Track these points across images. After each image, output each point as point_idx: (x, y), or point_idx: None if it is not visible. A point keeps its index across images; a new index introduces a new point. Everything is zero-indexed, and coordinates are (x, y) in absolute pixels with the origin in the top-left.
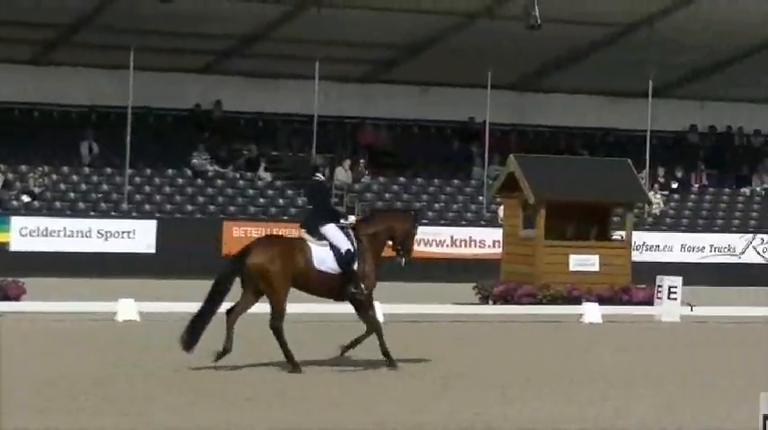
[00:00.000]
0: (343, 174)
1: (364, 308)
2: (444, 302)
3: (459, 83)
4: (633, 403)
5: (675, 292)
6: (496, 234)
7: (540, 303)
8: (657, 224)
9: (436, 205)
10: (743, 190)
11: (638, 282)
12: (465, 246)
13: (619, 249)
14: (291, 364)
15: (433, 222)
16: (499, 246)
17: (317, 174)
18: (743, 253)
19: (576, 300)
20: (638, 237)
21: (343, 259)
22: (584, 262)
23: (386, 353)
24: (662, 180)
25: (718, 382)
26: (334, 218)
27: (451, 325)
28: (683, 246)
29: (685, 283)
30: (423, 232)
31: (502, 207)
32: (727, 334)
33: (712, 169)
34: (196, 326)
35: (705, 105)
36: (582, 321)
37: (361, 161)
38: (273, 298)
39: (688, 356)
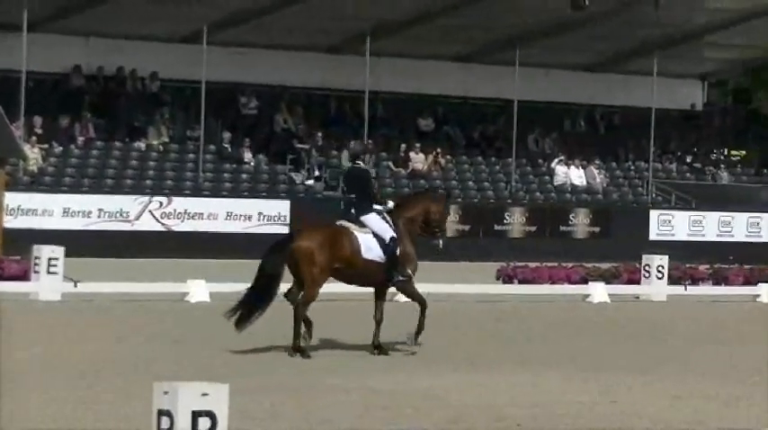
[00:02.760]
0: None
1: (407, 290)
2: None
3: None
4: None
5: (56, 265)
6: None
7: None
8: (35, 184)
9: None
10: (137, 144)
11: (12, 253)
12: None
13: None
14: (297, 350)
15: None
16: None
17: (358, 162)
18: (137, 218)
19: None
20: (12, 199)
21: (388, 247)
22: None
23: (421, 332)
24: (40, 131)
25: (101, 377)
26: (375, 206)
27: None
28: (65, 211)
29: (69, 254)
30: None
31: None
32: (112, 317)
33: (101, 119)
34: (250, 312)
35: (90, 42)
36: None
37: None
38: (310, 285)
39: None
